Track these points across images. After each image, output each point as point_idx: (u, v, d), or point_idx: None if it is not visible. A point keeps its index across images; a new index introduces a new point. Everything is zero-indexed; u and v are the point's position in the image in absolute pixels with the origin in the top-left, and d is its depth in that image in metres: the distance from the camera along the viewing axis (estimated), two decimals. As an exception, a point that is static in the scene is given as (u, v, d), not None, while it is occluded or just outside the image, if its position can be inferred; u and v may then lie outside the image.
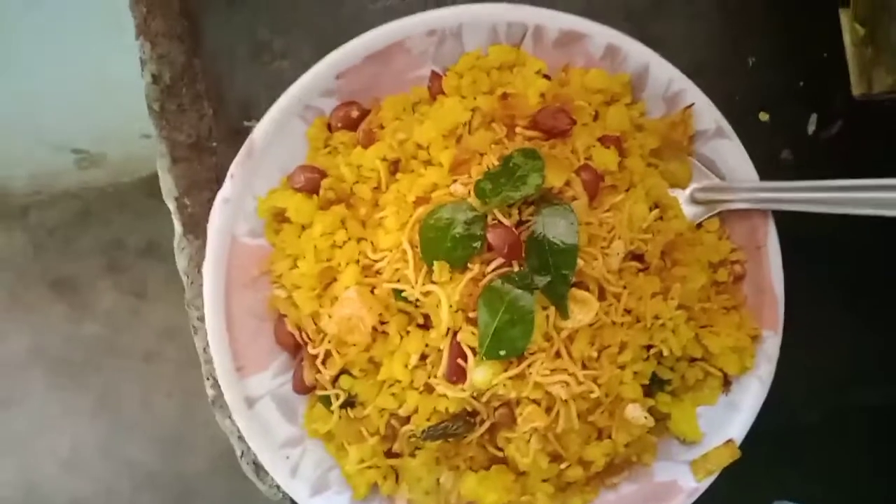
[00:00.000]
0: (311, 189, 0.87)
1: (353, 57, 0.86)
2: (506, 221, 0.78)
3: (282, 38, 0.92)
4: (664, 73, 0.88)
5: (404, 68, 0.89)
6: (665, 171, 0.91)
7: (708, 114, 0.90)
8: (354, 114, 0.91)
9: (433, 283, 0.81)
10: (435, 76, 0.91)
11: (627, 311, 0.86)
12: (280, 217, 0.88)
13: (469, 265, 0.78)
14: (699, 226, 0.91)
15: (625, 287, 0.82)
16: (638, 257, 0.88)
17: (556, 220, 0.82)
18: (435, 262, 0.81)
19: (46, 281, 2.69)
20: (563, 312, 0.81)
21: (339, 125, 0.91)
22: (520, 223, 0.80)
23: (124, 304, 2.69)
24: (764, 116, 0.98)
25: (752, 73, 1.00)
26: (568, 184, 0.85)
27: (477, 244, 0.79)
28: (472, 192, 0.80)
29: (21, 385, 2.58)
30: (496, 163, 0.82)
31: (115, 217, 2.75)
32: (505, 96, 0.90)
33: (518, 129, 0.86)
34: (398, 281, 0.81)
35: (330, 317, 0.86)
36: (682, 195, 0.92)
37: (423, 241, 0.79)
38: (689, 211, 0.91)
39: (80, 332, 2.68)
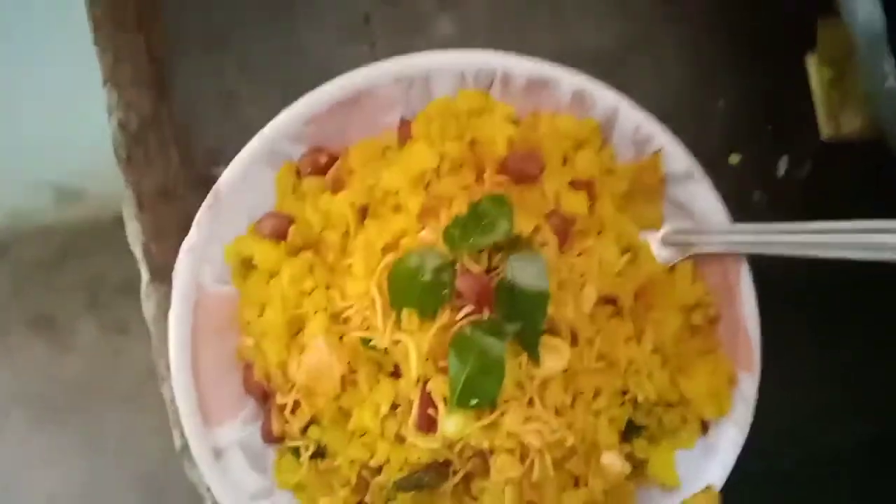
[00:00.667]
0: (279, 235, 0.84)
1: (322, 104, 0.84)
2: (475, 268, 0.77)
3: (251, 86, 0.91)
4: (633, 118, 0.87)
5: (373, 114, 0.86)
6: (636, 214, 0.87)
7: (678, 157, 0.87)
8: (323, 160, 0.88)
9: (402, 331, 0.80)
10: (404, 123, 0.87)
11: (601, 357, 0.84)
12: (247, 264, 0.85)
13: (438, 313, 0.76)
14: (672, 269, 0.87)
15: (598, 332, 0.80)
16: (611, 301, 0.87)
17: (525, 266, 0.80)
18: (403, 310, 0.80)
19: (26, 318, 2.65)
20: (535, 359, 0.80)
21: (308, 171, 0.87)
22: (489, 270, 0.77)
23: (105, 343, 2.65)
24: (734, 159, 0.97)
25: (721, 115, 1.00)
26: (537, 229, 0.84)
27: (446, 291, 0.77)
28: (440, 239, 0.78)
29: (0, 425, 2.53)
30: (465, 209, 0.81)
31: (96, 253, 2.72)
32: (473, 142, 0.90)
33: (487, 175, 0.83)
34: (367, 329, 0.79)
35: (298, 366, 0.85)
36: (654, 238, 0.88)
37: (391, 288, 0.77)
38: (661, 254, 0.87)
39: (60, 371, 2.64)
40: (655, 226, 0.89)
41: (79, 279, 2.68)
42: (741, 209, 0.91)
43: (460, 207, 0.79)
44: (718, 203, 0.87)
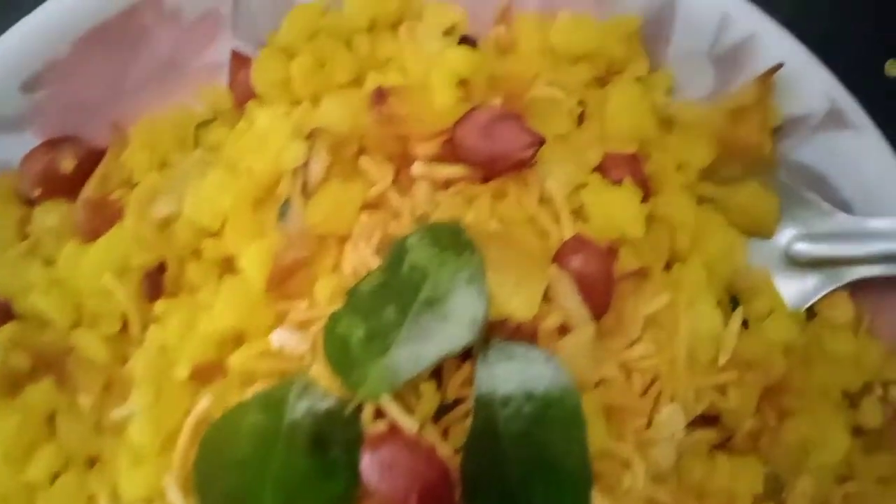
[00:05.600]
0: None
1: (58, 38, 0.47)
2: (407, 424, 0.35)
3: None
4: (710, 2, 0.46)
5: (171, 52, 0.50)
6: (733, 207, 0.48)
7: (810, 82, 0.47)
8: (66, 164, 0.48)
9: None
10: (238, 60, 0.50)
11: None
12: None
13: None
14: (810, 312, 0.48)
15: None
16: (710, 419, 0.42)
17: (525, 399, 0.35)
18: None
19: None
20: None
21: (39, 190, 0.48)
22: (444, 410, 0.37)
23: None
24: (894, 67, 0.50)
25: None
26: (547, 299, 0.36)
27: (339, 491, 0.35)
28: (318, 353, 0.38)
29: None
30: (372, 262, 0.39)
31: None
32: (380, 96, 0.41)
33: (418, 168, 0.42)
34: None
35: None
36: (766, 253, 0.48)
37: (205, 493, 0.36)
38: (789, 289, 0.47)
39: None
40: (766, 227, 0.49)
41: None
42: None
43: (361, 262, 0.39)
44: (892, 165, 0.47)
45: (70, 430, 0.42)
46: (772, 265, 0.49)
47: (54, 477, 0.43)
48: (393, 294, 0.37)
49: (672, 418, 0.39)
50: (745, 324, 0.45)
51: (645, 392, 0.40)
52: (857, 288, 0.48)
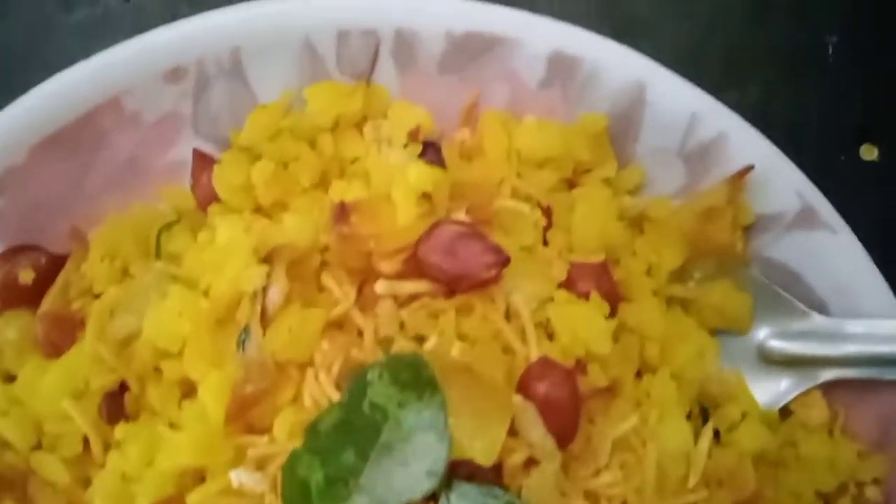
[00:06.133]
0: None
1: (15, 144, 0.46)
2: None
3: None
4: (676, 99, 0.46)
5: (131, 155, 0.48)
6: (705, 307, 0.47)
7: (781, 181, 0.47)
8: (25, 275, 0.47)
9: None
10: (201, 161, 0.49)
11: None
12: None
13: None
14: (784, 411, 0.48)
15: None
16: None
17: None
18: None
19: None
20: None
21: None
22: None
23: None
24: (869, 152, 0.49)
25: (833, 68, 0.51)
26: (513, 433, 0.36)
27: None
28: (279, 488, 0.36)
29: None
30: (332, 393, 0.38)
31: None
32: (341, 213, 0.40)
33: (382, 287, 0.41)
34: None
35: None
36: (739, 350, 0.47)
37: None
38: (761, 385, 0.47)
39: None
40: (740, 324, 0.49)
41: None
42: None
43: (320, 395, 0.38)
44: (868, 268, 0.47)
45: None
46: (745, 362, 0.48)
47: None
48: (352, 434, 0.35)
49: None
50: (715, 433, 0.44)
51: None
52: (831, 386, 0.47)
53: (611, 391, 0.41)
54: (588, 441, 0.39)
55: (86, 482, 0.42)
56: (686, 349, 0.43)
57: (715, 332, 0.48)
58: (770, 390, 0.47)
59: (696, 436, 0.42)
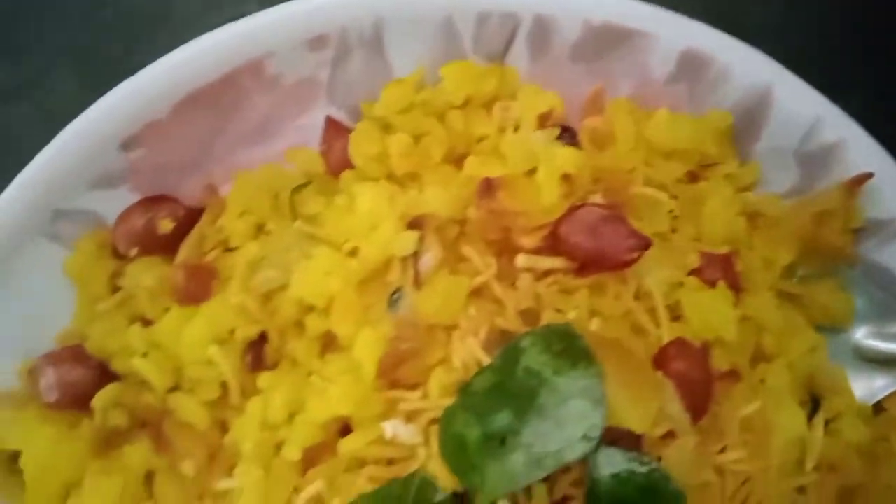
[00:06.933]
0: (78, 405, 0.45)
1: (160, 98, 0.47)
2: None
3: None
4: (801, 102, 0.48)
5: (266, 116, 0.50)
6: (811, 304, 0.49)
7: (894, 189, 0.48)
8: (164, 225, 0.49)
9: None
10: (334, 128, 0.50)
11: None
12: (10, 465, 0.45)
13: None
14: (878, 407, 0.49)
15: None
16: None
17: (635, 500, 0.37)
18: None
19: None
20: None
21: (135, 249, 0.48)
22: None
23: None
24: None
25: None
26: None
27: None
28: (434, 444, 0.38)
29: None
30: (481, 356, 0.39)
31: None
32: (488, 189, 0.41)
33: (523, 261, 0.43)
34: None
35: None
36: (837, 347, 0.49)
37: None
38: (857, 382, 0.48)
39: None
40: (841, 320, 0.50)
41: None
42: None
43: (471, 355, 0.40)
44: None
45: (168, 494, 0.43)
46: (842, 359, 0.50)
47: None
48: (508, 397, 0.37)
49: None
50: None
51: (734, 494, 0.41)
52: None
53: (733, 375, 0.43)
54: (715, 419, 0.41)
55: (222, 426, 0.44)
56: (800, 343, 0.46)
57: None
58: (865, 387, 0.49)
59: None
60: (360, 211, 0.44)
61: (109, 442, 0.44)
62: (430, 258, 0.40)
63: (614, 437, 0.38)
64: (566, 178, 0.43)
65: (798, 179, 0.50)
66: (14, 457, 0.47)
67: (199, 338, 0.43)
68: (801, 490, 0.43)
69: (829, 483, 0.43)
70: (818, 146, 0.49)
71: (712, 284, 0.44)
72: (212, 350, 0.42)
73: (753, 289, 0.46)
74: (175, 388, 0.45)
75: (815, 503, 0.43)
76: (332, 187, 0.49)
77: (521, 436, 0.36)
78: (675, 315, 0.44)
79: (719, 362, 0.43)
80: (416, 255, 0.42)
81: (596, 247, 0.42)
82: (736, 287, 0.45)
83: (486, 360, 0.39)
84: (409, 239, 0.41)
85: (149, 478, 0.44)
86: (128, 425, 0.44)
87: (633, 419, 0.36)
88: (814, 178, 0.50)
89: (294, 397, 0.41)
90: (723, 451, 0.41)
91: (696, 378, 0.40)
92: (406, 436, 0.38)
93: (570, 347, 0.37)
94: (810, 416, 0.46)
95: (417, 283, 0.41)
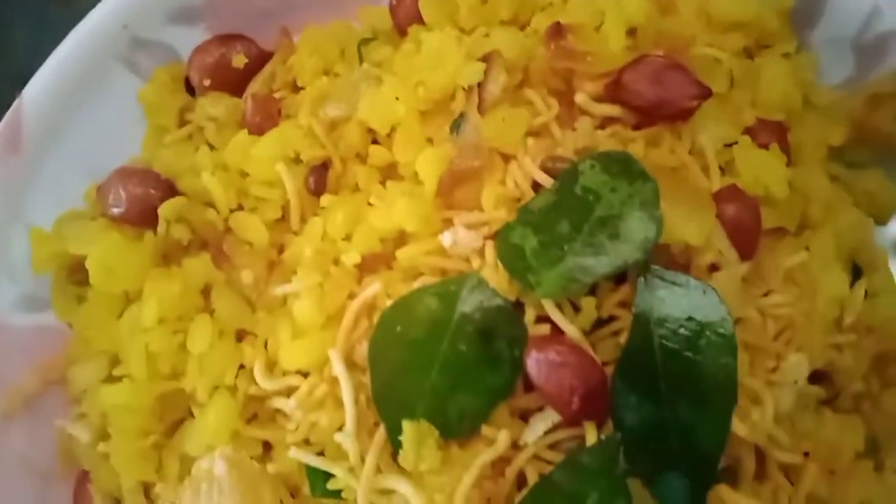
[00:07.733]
0: (143, 220, 0.47)
1: None
2: (572, 331, 0.37)
3: None
4: None
5: None
6: (857, 191, 0.50)
7: None
8: (238, 59, 0.51)
9: (400, 472, 0.38)
10: None
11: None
12: (81, 274, 0.47)
13: (484, 432, 0.37)
14: None
15: (807, 455, 0.42)
16: (820, 376, 0.44)
17: (683, 322, 0.38)
18: (404, 424, 0.37)
19: None
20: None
21: (208, 82, 0.50)
22: (599, 325, 0.39)
23: None
24: None
25: None
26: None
27: (501, 381, 0.37)
28: (490, 255, 0.40)
29: None
30: (542, 181, 0.41)
31: None
32: (558, 31, 0.44)
33: (582, 101, 0.44)
34: (320, 453, 0.40)
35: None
36: (882, 238, 0.50)
37: (377, 365, 0.39)
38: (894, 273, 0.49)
39: None
40: (884, 213, 0.51)
41: None
42: None
43: (529, 178, 0.41)
44: None
45: (225, 304, 0.45)
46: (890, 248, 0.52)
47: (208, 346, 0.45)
48: (566, 211, 0.39)
49: (797, 366, 0.42)
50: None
51: (776, 338, 0.42)
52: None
53: (780, 232, 0.44)
54: (760, 267, 0.42)
55: (280, 246, 0.46)
56: (846, 216, 0.47)
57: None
58: (902, 277, 0.51)
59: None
60: (428, 49, 0.45)
61: (170, 256, 0.46)
62: (495, 86, 0.42)
63: (664, 261, 0.39)
64: (631, 32, 0.45)
65: (853, 71, 0.51)
66: (75, 268, 0.49)
67: (267, 155, 0.45)
68: (839, 349, 0.44)
69: (865, 345, 0.44)
70: (874, 36, 0.50)
71: (765, 148, 0.45)
72: (279, 166, 0.44)
73: (803, 162, 0.47)
74: (237, 209, 0.47)
75: (852, 361, 0.44)
76: (397, 42, 0.51)
77: (578, 243, 0.37)
78: (730, 174, 0.46)
79: (767, 220, 0.44)
80: (480, 86, 0.43)
81: (658, 94, 0.43)
82: (787, 155, 0.46)
83: (543, 177, 0.41)
84: (476, 68, 0.43)
85: (205, 292, 0.45)
86: (189, 241, 0.46)
87: (690, 232, 0.38)
88: (869, 69, 0.51)
89: (355, 217, 0.43)
90: (767, 295, 0.42)
91: (746, 222, 0.41)
92: (466, 241, 0.39)
93: (626, 169, 0.39)
94: (851, 285, 0.47)
95: (482, 109, 0.42)
